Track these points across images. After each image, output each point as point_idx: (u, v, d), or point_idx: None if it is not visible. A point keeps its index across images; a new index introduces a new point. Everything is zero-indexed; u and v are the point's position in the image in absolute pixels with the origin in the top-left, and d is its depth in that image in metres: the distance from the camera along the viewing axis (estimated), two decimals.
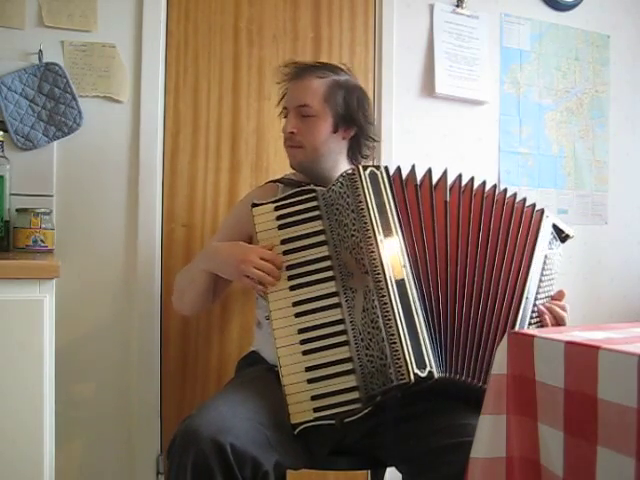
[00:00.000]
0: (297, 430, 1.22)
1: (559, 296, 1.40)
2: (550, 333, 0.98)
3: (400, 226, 1.30)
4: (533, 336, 0.98)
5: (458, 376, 1.25)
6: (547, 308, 1.36)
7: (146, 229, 1.82)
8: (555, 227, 1.45)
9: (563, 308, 1.38)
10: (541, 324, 1.35)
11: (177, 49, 1.89)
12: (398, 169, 1.36)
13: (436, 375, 1.20)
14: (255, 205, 1.37)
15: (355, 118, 1.50)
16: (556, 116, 2.37)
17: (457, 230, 1.33)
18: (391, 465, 1.41)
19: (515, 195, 1.41)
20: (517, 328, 1.29)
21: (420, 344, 1.21)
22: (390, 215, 1.30)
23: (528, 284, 1.33)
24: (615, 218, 2.47)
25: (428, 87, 2.17)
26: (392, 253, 1.26)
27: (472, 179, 1.38)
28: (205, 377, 1.90)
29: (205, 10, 1.92)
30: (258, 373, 1.43)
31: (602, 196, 2.45)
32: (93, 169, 1.78)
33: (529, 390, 0.98)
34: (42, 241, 1.60)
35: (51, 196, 1.72)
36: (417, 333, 1.22)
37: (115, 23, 1.79)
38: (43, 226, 1.60)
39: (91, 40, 1.77)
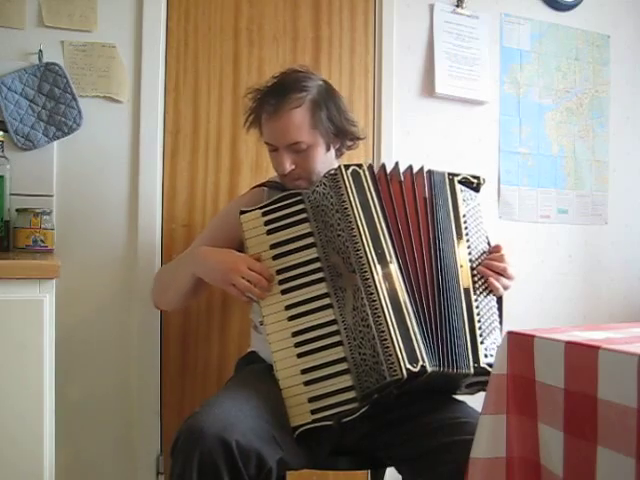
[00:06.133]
0: (296, 433, 1.22)
1: (495, 249, 1.40)
2: (550, 333, 0.98)
3: (386, 222, 1.30)
4: (533, 336, 0.98)
5: (451, 369, 1.25)
6: (486, 266, 1.36)
7: (146, 229, 1.82)
8: (464, 182, 1.44)
9: (500, 259, 1.37)
10: (490, 289, 1.35)
11: (177, 49, 1.89)
12: (383, 166, 1.36)
13: (429, 369, 1.20)
14: (243, 212, 1.37)
15: (343, 129, 1.50)
16: (556, 116, 2.37)
17: (432, 221, 1.35)
18: (391, 465, 1.41)
19: (421, 169, 1.40)
20: (463, 299, 1.30)
21: (411, 339, 1.21)
22: (374, 212, 1.30)
23: (457, 256, 1.34)
24: (615, 218, 2.47)
25: (428, 87, 2.17)
26: (378, 250, 1.27)
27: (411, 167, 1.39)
28: (205, 377, 1.90)
29: (205, 10, 1.92)
30: (259, 371, 1.43)
31: (602, 196, 2.45)
32: (93, 169, 1.78)
33: (529, 390, 0.98)
34: (42, 241, 1.60)
35: (51, 196, 1.72)
36: (407, 328, 1.22)
37: (115, 23, 1.79)
38: (43, 226, 1.60)
39: (91, 40, 1.77)
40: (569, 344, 0.91)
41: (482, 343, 1.28)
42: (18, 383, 1.26)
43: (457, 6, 2.20)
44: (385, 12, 2.11)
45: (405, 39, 2.14)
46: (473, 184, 1.46)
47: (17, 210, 1.60)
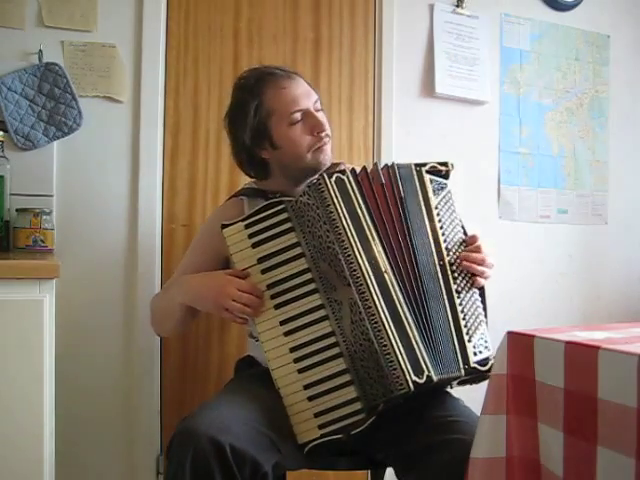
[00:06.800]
0: (306, 449, 1.21)
1: (473, 240, 1.37)
2: (550, 333, 0.98)
3: (376, 229, 1.28)
4: (533, 336, 0.98)
5: (455, 373, 1.25)
6: (464, 259, 1.32)
7: (146, 229, 1.82)
8: (432, 172, 1.39)
9: (477, 250, 1.34)
10: (471, 282, 1.32)
11: (177, 49, 1.89)
12: (364, 169, 1.33)
13: (435, 378, 1.20)
14: (225, 226, 1.33)
15: None
16: (556, 116, 2.37)
17: (410, 223, 1.32)
18: (389, 465, 1.41)
19: (392, 166, 1.36)
20: (446, 298, 1.28)
21: (414, 349, 1.20)
22: (364, 220, 1.27)
23: (433, 250, 1.31)
24: (615, 218, 2.47)
25: (428, 87, 2.17)
26: (372, 260, 1.24)
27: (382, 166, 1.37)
28: (205, 377, 1.90)
29: (205, 10, 1.92)
30: (257, 375, 1.42)
31: (602, 196, 2.45)
32: (93, 169, 1.78)
33: (529, 390, 0.98)
34: (42, 241, 1.60)
35: (51, 196, 1.72)
36: (409, 339, 1.21)
37: (115, 23, 1.79)
38: (43, 226, 1.60)
39: (91, 40, 1.77)
40: (569, 344, 0.91)
41: (470, 341, 1.27)
42: (18, 383, 1.26)
43: (457, 6, 2.20)
44: (385, 12, 2.11)
45: (405, 39, 2.14)
46: (442, 172, 1.40)
47: (17, 210, 1.60)
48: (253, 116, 1.42)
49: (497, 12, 2.28)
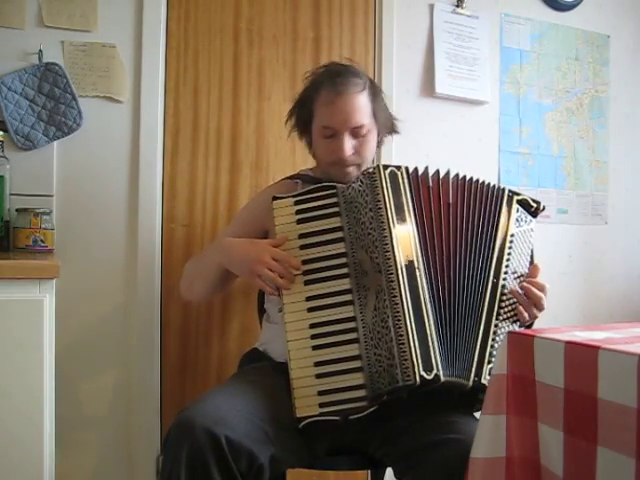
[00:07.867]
0: (302, 424, 1.22)
1: (534, 272, 1.38)
2: (550, 333, 0.98)
3: (416, 227, 1.30)
4: (533, 336, 0.98)
5: (463, 380, 1.24)
6: (523, 288, 1.34)
7: (146, 229, 1.82)
8: (522, 203, 1.43)
9: (541, 288, 1.35)
10: (514, 313, 1.33)
11: (177, 49, 1.89)
12: (415, 170, 1.36)
13: (442, 378, 1.20)
14: (276, 198, 1.37)
15: (391, 121, 1.54)
16: (556, 116, 2.37)
17: (456, 229, 1.34)
18: (389, 464, 1.40)
19: (482, 182, 1.40)
20: (485, 314, 1.29)
21: (428, 346, 1.21)
22: (407, 215, 1.30)
23: (492, 267, 1.33)
24: (615, 218, 2.47)
25: (428, 87, 2.17)
26: (407, 254, 1.27)
27: (451, 173, 1.39)
28: (205, 376, 1.90)
29: (205, 10, 1.92)
30: (261, 369, 1.43)
31: (602, 196, 2.45)
32: (93, 169, 1.78)
33: (529, 390, 0.98)
34: (42, 241, 1.60)
35: (51, 196, 1.72)
36: (426, 335, 1.22)
37: (115, 23, 1.79)
38: (43, 226, 1.60)
39: (91, 40, 1.77)
40: (569, 344, 0.91)
41: (489, 362, 1.27)
42: (18, 383, 1.27)
43: (457, 6, 2.20)
44: (385, 12, 2.11)
45: (405, 39, 2.14)
46: (532, 208, 1.45)
47: (17, 210, 1.60)
48: (309, 108, 1.49)
49: (497, 12, 2.28)
